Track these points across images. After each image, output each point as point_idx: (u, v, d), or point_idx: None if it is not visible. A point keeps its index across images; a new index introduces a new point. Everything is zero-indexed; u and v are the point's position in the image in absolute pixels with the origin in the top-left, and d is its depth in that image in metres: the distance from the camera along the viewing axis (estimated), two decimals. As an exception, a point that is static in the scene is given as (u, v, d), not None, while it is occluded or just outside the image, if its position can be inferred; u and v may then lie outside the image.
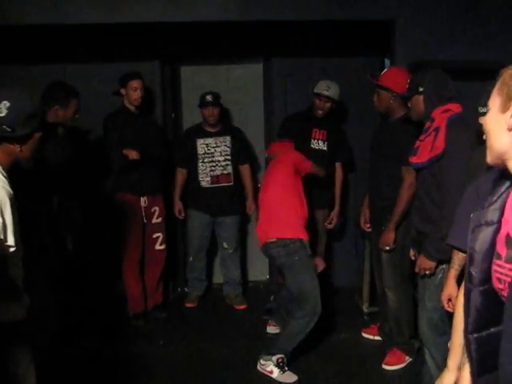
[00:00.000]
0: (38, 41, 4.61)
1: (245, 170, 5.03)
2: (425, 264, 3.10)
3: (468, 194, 2.02)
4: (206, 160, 4.91)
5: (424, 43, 4.28)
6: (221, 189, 4.92)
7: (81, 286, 4.15)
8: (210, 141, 4.91)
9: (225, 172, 4.94)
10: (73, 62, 4.85)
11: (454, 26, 4.29)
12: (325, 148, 4.77)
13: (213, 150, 4.91)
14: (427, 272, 3.11)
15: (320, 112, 4.68)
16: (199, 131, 4.94)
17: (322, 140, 4.77)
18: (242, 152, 5.01)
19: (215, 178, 4.91)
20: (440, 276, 3.07)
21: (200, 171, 4.91)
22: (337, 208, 4.88)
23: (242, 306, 5.08)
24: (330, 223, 4.89)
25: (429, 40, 4.29)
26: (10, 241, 2.18)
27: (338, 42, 4.94)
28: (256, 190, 4.69)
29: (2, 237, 2.14)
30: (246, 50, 5.20)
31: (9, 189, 2.21)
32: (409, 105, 3.39)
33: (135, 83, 4.55)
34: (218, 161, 4.93)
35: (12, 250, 2.18)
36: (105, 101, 4.73)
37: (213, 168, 4.92)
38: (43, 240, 3.26)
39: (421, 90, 3.18)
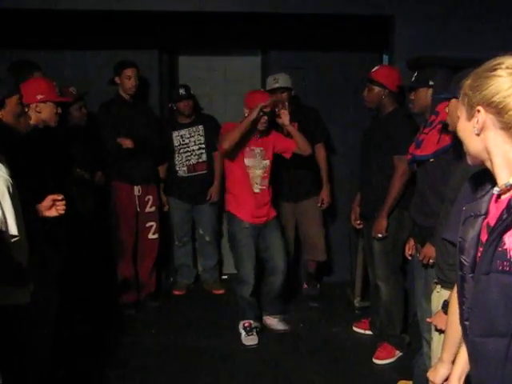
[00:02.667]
0: (36, 27, 4.58)
1: (216, 157, 5.02)
2: (431, 252, 3.07)
3: (463, 192, 2.03)
4: (181, 151, 4.96)
5: (423, 39, 4.28)
6: (197, 177, 4.98)
7: (74, 274, 4.13)
8: (183, 132, 4.96)
9: (200, 160, 4.99)
10: (71, 50, 4.84)
11: (454, 22, 4.30)
12: None
13: (187, 141, 4.95)
14: (431, 261, 3.11)
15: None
16: (173, 124, 5.00)
17: None
18: (214, 139, 5.00)
19: (191, 167, 4.96)
20: None
21: (177, 162, 4.96)
22: (325, 187, 4.83)
23: (220, 291, 5.19)
24: (322, 205, 4.86)
25: (428, 36, 4.29)
26: (13, 230, 2.15)
27: (337, 37, 4.94)
28: (223, 178, 4.62)
29: (4, 228, 2.11)
30: (245, 42, 5.20)
31: (6, 176, 2.17)
32: (411, 97, 3.45)
33: (129, 72, 4.55)
34: (193, 150, 4.97)
35: (15, 239, 2.16)
36: (103, 89, 4.71)
37: (188, 157, 4.96)
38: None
39: (431, 83, 3.23)
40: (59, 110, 3.32)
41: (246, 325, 4.25)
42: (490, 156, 1.50)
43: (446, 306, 2.41)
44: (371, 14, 4.40)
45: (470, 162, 1.60)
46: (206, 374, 3.86)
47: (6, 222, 2.13)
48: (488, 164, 1.53)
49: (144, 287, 4.87)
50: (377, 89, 3.89)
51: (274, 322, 4.44)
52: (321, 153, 4.82)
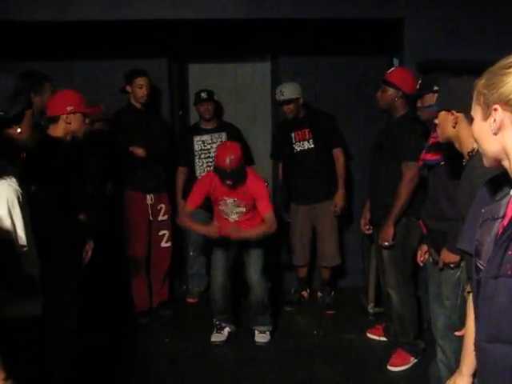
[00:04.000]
0: (46, 38, 4.61)
1: None
2: (449, 258, 3.02)
3: (478, 197, 2.00)
4: (202, 156, 4.94)
5: (433, 42, 4.25)
6: None
7: (87, 283, 4.15)
8: (205, 137, 4.95)
9: None
10: (80, 59, 4.86)
11: (464, 25, 4.27)
12: (311, 146, 4.77)
13: (209, 147, 4.92)
14: (451, 265, 3.07)
15: (288, 115, 4.74)
16: (195, 129, 5.01)
17: (305, 140, 4.78)
18: None
19: None
20: (458, 274, 3.03)
21: (197, 167, 4.95)
22: (340, 191, 4.81)
23: None
24: (335, 208, 4.83)
25: (438, 39, 4.26)
26: (22, 240, 2.16)
27: (347, 41, 4.91)
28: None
29: (14, 237, 2.12)
30: (254, 49, 5.19)
31: (16, 187, 2.17)
32: (419, 104, 3.42)
33: (141, 80, 4.56)
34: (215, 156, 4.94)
35: (25, 249, 2.17)
36: (112, 98, 4.72)
37: (209, 164, 4.89)
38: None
39: (436, 88, 3.21)
40: (87, 121, 3.45)
41: (217, 323, 4.42)
42: (509, 156, 1.45)
43: None
44: (381, 18, 4.37)
45: (486, 163, 1.54)
46: (219, 381, 3.86)
47: (15, 232, 2.14)
48: (506, 164, 1.48)
49: (157, 295, 4.86)
50: (391, 90, 3.87)
51: (255, 333, 4.41)
52: (339, 158, 4.84)
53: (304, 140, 4.79)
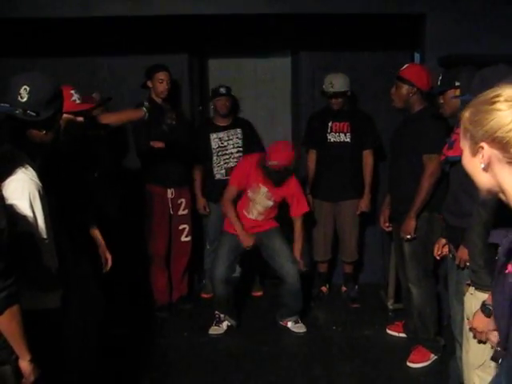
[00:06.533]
0: (67, 34, 4.65)
1: None
2: (466, 255, 3.02)
3: None
4: (219, 153, 4.94)
5: (455, 37, 4.21)
6: None
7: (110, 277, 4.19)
8: (222, 135, 4.94)
9: None
10: (102, 55, 4.89)
11: (486, 19, 4.22)
12: (347, 139, 4.76)
13: (226, 144, 4.92)
14: (468, 263, 3.05)
15: (335, 107, 4.71)
16: (211, 126, 4.98)
17: (343, 132, 4.76)
18: (252, 143, 5.02)
19: (230, 170, 4.88)
20: None
21: (215, 164, 4.95)
22: (366, 196, 4.82)
23: (259, 293, 5.23)
24: (359, 210, 4.83)
25: (460, 34, 4.22)
26: (43, 233, 2.20)
27: (368, 36, 4.89)
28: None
29: (36, 230, 2.16)
30: (274, 44, 5.18)
31: (37, 181, 2.21)
32: (441, 100, 3.40)
33: (162, 75, 4.58)
34: (231, 153, 4.94)
35: (45, 242, 2.21)
36: (133, 93, 4.76)
37: (227, 160, 4.93)
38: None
39: (457, 84, 3.18)
40: (80, 119, 3.20)
41: (216, 316, 4.47)
42: (505, 192, 1.45)
43: (485, 307, 2.32)
44: (402, 13, 4.35)
45: (482, 194, 1.53)
46: (238, 375, 3.87)
47: (37, 225, 2.18)
48: (502, 197, 1.48)
49: (176, 290, 4.90)
50: (405, 87, 3.85)
51: (289, 325, 4.50)
52: (368, 159, 4.82)
53: (341, 132, 4.76)
